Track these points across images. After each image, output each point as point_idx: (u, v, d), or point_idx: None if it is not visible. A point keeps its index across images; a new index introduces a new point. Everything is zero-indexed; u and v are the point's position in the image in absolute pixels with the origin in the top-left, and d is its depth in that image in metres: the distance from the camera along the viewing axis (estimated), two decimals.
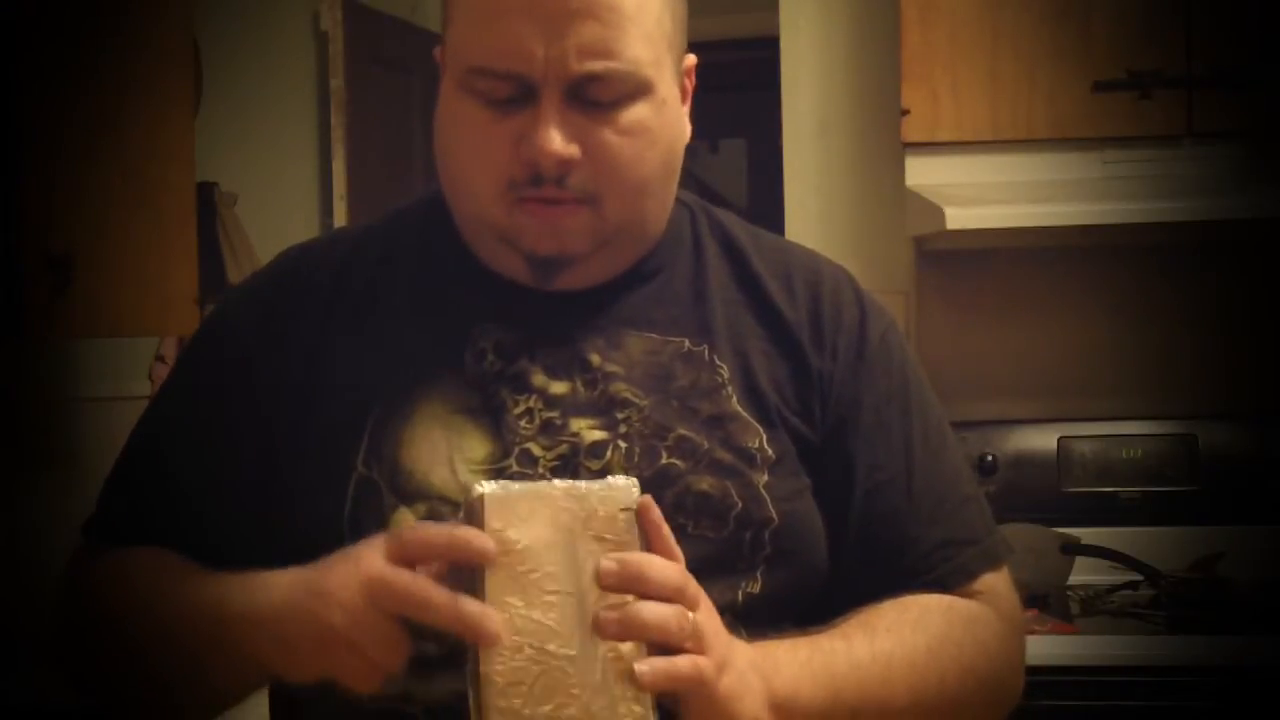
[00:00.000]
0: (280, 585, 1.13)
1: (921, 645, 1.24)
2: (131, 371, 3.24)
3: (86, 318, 2.55)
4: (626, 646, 1.05)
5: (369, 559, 1.07)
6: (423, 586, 1.04)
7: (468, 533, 1.05)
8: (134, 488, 1.33)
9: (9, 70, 2.38)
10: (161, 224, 2.70)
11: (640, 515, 1.08)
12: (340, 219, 3.90)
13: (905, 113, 2.72)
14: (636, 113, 1.23)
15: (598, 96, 1.22)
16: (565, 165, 1.22)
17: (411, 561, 1.06)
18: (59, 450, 3.10)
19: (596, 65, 1.20)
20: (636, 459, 1.24)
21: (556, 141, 1.21)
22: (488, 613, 1.03)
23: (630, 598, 1.05)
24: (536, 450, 1.25)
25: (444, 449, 1.24)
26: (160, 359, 3.22)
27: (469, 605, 1.04)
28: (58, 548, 1.37)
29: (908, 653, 1.23)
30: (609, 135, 1.23)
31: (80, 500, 1.38)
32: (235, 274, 3.32)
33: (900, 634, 1.24)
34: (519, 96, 1.22)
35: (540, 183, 1.22)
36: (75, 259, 2.47)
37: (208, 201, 3.29)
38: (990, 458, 2.87)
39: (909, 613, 1.26)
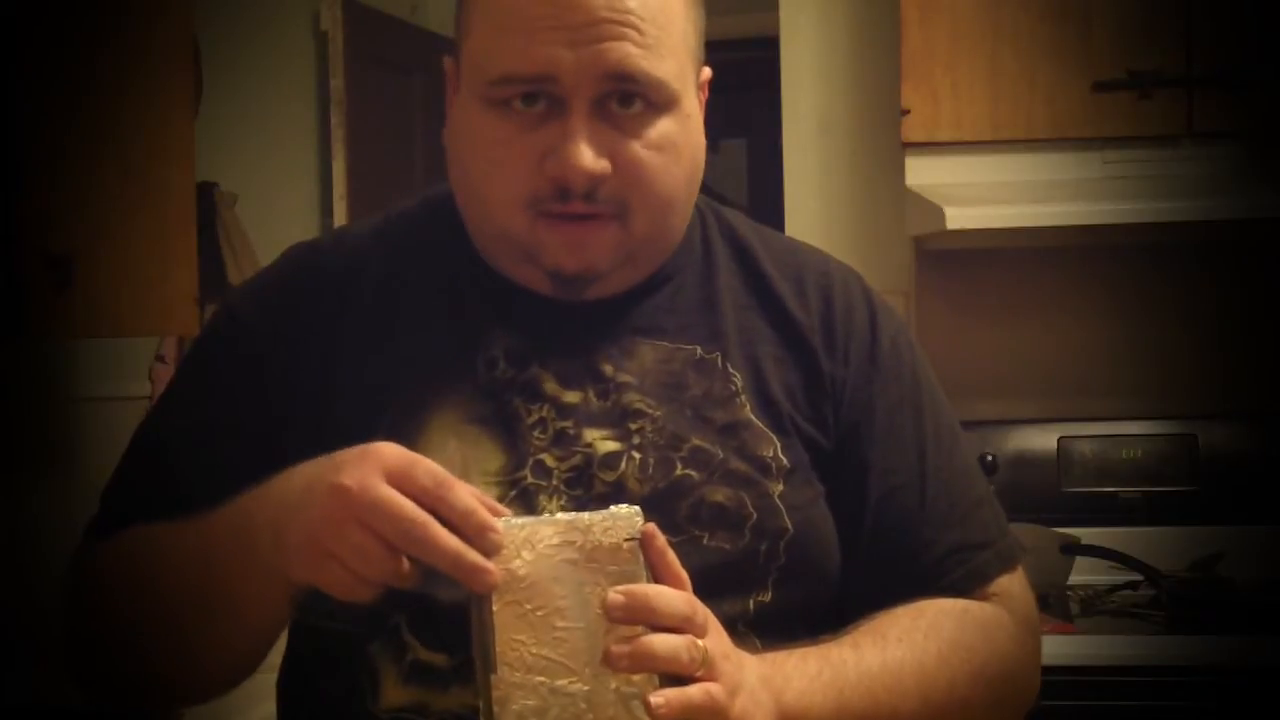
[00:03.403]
0: (295, 473, 1.11)
1: (932, 651, 1.24)
2: (131, 371, 3.24)
3: (86, 318, 2.55)
4: (638, 677, 1.04)
5: (365, 476, 1.04)
6: (425, 525, 1.03)
7: (470, 559, 1.04)
8: (138, 485, 1.32)
9: (9, 70, 2.38)
10: (161, 224, 2.70)
11: (644, 543, 1.07)
12: (340, 219, 3.90)
13: (905, 113, 2.72)
14: (664, 127, 1.23)
15: (627, 109, 1.21)
16: (595, 180, 1.20)
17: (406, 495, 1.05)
18: (59, 450, 3.10)
19: (630, 69, 1.19)
20: (651, 470, 1.24)
21: (587, 157, 1.19)
22: (488, 566, 1.03)
23: (639, 629, 1.05)
24: (550, 461, 1.24)
25: (458, 460, 1.22)
26: (160, 359, 3.22)
27: (471, 554, 1.03)
28: (58, 548, 1.37)
29: (918, 659, 1.23)
30: (638, 149, 1.21)
31: (80, 500, 1.38)
32: (235, 274, 3.32)
33: (912, 641, 1.23)
34: (545, 109, 1.20)
35: (567, 198, 1.21)
36: (75, 259, 2.46)
37: (208, 201, 3.29)
38: (990, 458, 2.86)
39: (921, 619, 1.26)
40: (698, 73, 1.28)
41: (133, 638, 1.25)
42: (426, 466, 1.05)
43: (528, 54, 1.19)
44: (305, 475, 1.09)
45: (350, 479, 1.04)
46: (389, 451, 1.06)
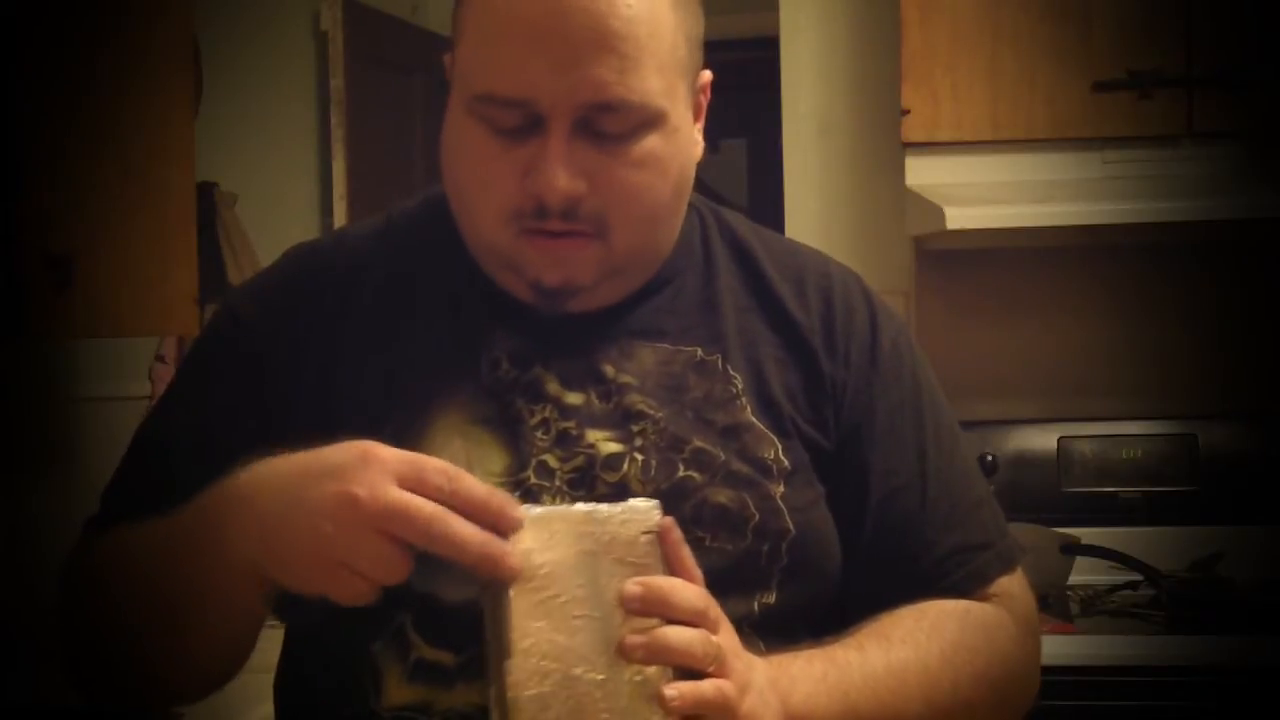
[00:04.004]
0: (267, 478, 1.09)
1: (935, 652, 1.24)
2: (131, 371, 3.24)
3: (86, 318, 2.55)
4: (651, 669, 1.05)
5: (376, 483, 1.04)
6: (446, 520, 1.03)
7: (495, 547, 1.04)
8: (137, 484, 1.32)
9: (9, 70, 2.38)
10: (161, 224, 2.70)
11: (661, 538, 1.08)
12: (340, 219, 3.90)
13: (905, 113, 2.72)
14: (648, 144, 1.22)
15: (608, 129, 1.20)
16: (571, 200, 1.20)
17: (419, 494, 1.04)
18: (59, 450, 3.10)
19: (607, 98, 1.18)
20: (653, 471, 1.24)
21: (562, 179, 1.19)
22: (511, 552, 1.03)
23: (654, 621, 1.05)
24: (553, 462, 1.24)
25: (463, 460, 1.22)
26: (160, 359, 3.22)
27: (496, 543, 1.03)
28: (58, 548, 1.37)
29: (921, 660, 1.23)
30: (618, 168, 1.21)
31: (80, 500, 1.38)
32: (235, 274, 3.32)
33: (915, 642, 1.24)
34: (526, 126, 1.20)
35: (545, 216, 1.21)
36: (75, 259, 2.46)
37: (208, 201, 3.29)
38: (990, 458, 2.87)
39: (924, 620, 1.26)
40: (693, 80, 1.27)
41: (120, 631, 1.25)
42: (435, 465, 1.05)
43: (508, 76, 1.19)
44: (289, 482, 1.08)
45: (360, 487, 1.03)
46: (390, 455, 1.06)
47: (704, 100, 1.31)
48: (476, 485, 1.05)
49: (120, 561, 1.25)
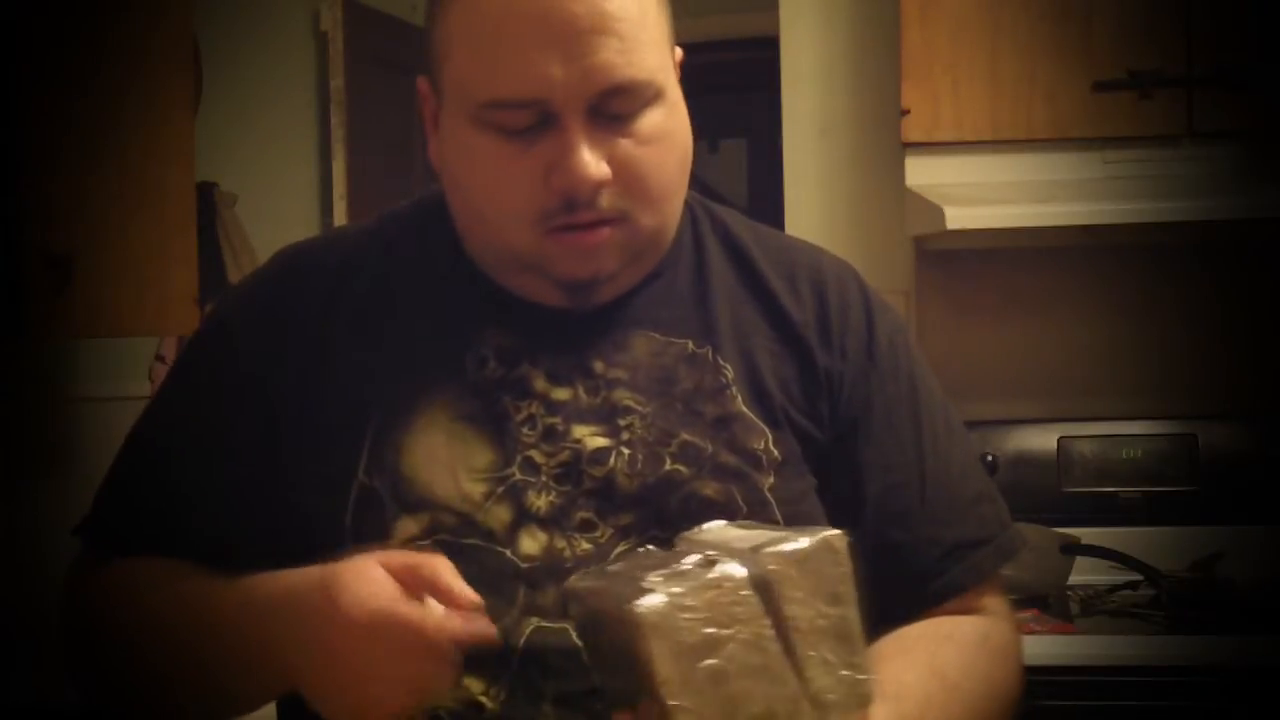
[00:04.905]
0: (294, 636, 1.11)
1: (973, 678, 1.26)
2: (131, 371, 3.24)
3: (86, 318, 2.55)
4: None
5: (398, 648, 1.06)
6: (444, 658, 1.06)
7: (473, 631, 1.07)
8: (131, 490, 1.32)
9: (9, 70, 2.39)
10: (161, 224, 2.70)
11: None
12: (340, 219, 3.91)
13: (905, 113, 2.72)
14: (653, 119, 1.23)
15: (618, 110, 1.21)
16: (600, 186, 1.21)
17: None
18: (59, 450, 3.10)
19: (617, 80, 1.19)
20: (640, 465, 1.24)
21: (591, 165, 1.19)
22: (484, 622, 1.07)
23: None
24: (539, 457, 1.24)
25: (446, 457, 1.23)
26: (160, 359, 3.22)
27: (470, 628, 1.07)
28: (58, 548, 1.37)
29: (964, 687, 1.25)
30: (632, 148, 1.22)
31: (80, 500, 1.38)
32: (235, 274, 3.33)
33: (955, 664, 1.25)
34: (539, 124, 1.20)
35: (574, 208, 1.21)
36: (75, 259, 2.47)
37: (208, 201, 3.29)
38: (990, 458, 2.86)
39: (953, 642, 1.28)
40: (673, 55, 1.28)
41: (131, 674, 1.27)
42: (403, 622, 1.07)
43: (516, 77, 1.19)
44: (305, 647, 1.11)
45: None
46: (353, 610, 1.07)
47: (675, 77, 1.31)
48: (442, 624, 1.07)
49: (140, 615, 1.26)
